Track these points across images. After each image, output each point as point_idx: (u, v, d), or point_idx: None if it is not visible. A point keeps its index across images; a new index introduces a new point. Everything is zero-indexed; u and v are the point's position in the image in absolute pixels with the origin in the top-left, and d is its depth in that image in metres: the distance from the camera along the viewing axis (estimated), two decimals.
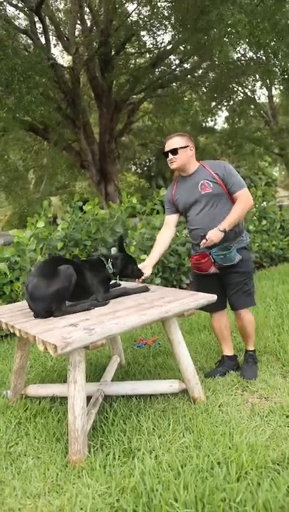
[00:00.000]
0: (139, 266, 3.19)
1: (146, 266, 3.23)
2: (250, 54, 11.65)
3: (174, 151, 3.05)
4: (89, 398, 2.77)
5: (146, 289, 3.06)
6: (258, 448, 2.22)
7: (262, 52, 10.22)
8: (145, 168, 29.33)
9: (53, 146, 11.56)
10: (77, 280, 2.64)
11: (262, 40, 8.16)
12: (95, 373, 3.44)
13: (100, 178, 12.03)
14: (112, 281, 3.43)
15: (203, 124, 16.56)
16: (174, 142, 3.07)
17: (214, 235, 2.91)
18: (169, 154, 3.08)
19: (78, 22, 11.28)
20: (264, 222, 8.15)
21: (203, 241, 2.92)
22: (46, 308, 2.50)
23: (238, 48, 9.84)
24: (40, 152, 14.10)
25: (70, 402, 2.25)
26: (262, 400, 2.84)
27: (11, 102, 7.91)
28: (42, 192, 14.41)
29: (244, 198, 3.00)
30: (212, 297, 2.76)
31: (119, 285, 3.32)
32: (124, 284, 3.35)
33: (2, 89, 8.07)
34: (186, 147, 3.07)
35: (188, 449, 2.29)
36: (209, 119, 16.41)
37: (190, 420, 2.57)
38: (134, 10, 10.79)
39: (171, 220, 3.36)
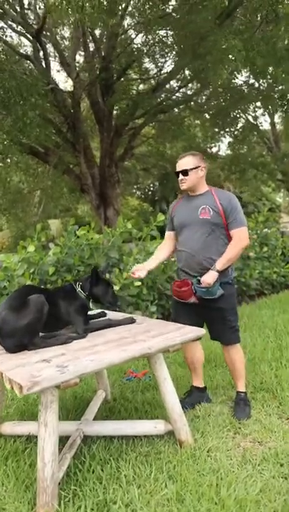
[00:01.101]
0: (135, 266, 3.12)
1: (143, 268, 3.13)
2: (252, 81, 11.70)
3: (185, 172, 2.95)
4: (67, 438, 2.57)
5: (132, 321, 2.87)
6: (248, 504, 2.00)
7: (261, 79, 10.28)
8: (149, 193, 29.41)
9: (53, 169, 11.54)
10: (52, 311, 2.47)
11: (258, 64, 8.18)
12: (78, 409, 3.21)
13: (99, 202, 11.94)
14: (98, 311, 3.26)
15: (207, 150, 16.59)
16: (184, 163, 2.98)
17: (210, 277, 2.83)
18: (180, 175, 2.98)
19: (81, 48, 11.44)
20: (265, 248, 7.98)
21: (197, 284, 2.87)
22: (17, 344, 2.31)
23: (237, 74, 9.82)
24: (42, 175, 14.07)
25: (40, 446, 2.04)
26: (255, 445, 2.61)
27: (8, 123, 7.87)
28: (39, 215, 14.36)
29: (240, 237, 2.91)
30: (200, 331, 2.58)
31: (105, 315, 3.13)
32: (110, 315, 3.17)
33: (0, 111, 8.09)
34: (197, 168, 2.96)
35: (169, 502, 2.06)
36: (212, 144, 16.48)
37: (174, 468, 2.35)
38: (135, 38, 10.97)
39: (171, 236, 3.26)
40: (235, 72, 8.63)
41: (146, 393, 3.47)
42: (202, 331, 2.58)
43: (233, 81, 10.30)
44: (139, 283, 5.20)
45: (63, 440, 2.60)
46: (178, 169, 3.00)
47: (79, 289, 2.75)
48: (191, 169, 2.94)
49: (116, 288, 4.88)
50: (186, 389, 3.50)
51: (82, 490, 2.17)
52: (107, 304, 2.94)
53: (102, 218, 11.91)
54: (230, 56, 7.59)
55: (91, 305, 2.91)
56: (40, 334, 2.45)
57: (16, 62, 8.95)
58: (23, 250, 4.63)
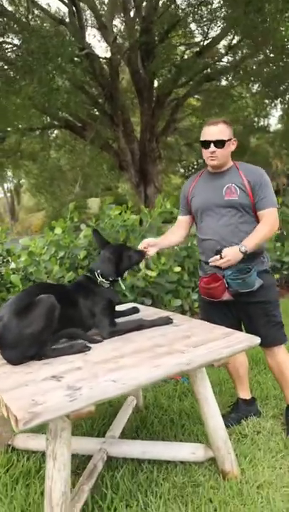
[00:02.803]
0: (147, 240, 2.64)
1: (155, 244, 2.65)
2: None
3: (220, 143, 2.37)
4: (89, 458, 2.17)
5: (168, 321, 2.38)
6: None
7: None
8: (193, 170, 28.44)
9: (90, 145, 10.97)
10: (70, 312, 2.02)
11: None
12: (104, 418, 2.79)
13: (139, 179, 11.31)
14: (130, 306, 2.80)
15: (256, 124, 15.56)
16: (219, 131, 2.38)
17: (232, 255, 2.30)
18: (212, 146, 2.38)
19: (121, 14, 10.63)
20: None
21: (216, 257, 2.30)
22: (20, 356, 1.87)
23: None
24: (81, 151, 13.56)
25: (47, 485, 1.63)
26: None
27: (32, 89, 7.25)
28: (76, 193, 13.89)
29: (271, 220, 2.40)
30: (254, 341, 2.05)
31: (138, 311, 2.66)
32: (142, 310, 2.70)
33: (22, 75, 7.47)
34: (230, 140, 2.42)
35: None
36: (262, 118, 15.39)
37: (216, 510, 1.88)
38: None
39: (184, 221, 2.75)
40: None
41: (185, 400, 3.01)
42: (256, 340, 2.05)
43: None
44: (179, 268, 4.71)
45: (85, 462, 2.21)
46: (210, 138, 2.39)
47: (101, 278, 2.29)
48: (228, 140, 2.40)
49: (153, 274, 4.42)
50: (230, 395, 3.02)
51: None
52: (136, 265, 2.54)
53: (142, 197, 11.34)
54: None
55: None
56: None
57: (49, 29, 8.22)
58: (50, 232, 4.22)
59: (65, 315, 1.99)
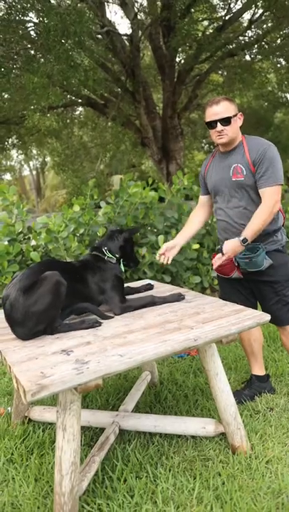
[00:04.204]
0: (166, 244, 2.61)
1: (174, 246, 2.63)
2: None
3: (227, 121, 2.32)
4: (102, 430, 2.23)
5: (179, 298, 2.39)
6: None
7: None
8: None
9: (112, 122, 10.82)
10: (78, 289, 2.05)
11: None
12: (119, 392, 2.85)
13: (161, 156, 11.19)
14: (144, 282, 2.82)
15: (282, 99, 15.03)
16: (223, 109, 2.33)
17: (232, 249, 2.29)
18: (218, 124, 2.33)
19: None
20: None
21: (218, 256, 2.33)
22: (30, 333, 1.91)
23: None
24: (104, 129, 13.42)
25: (57, 455, 1.68)
26: None
27: (51, 66, 7.10)
28: (96, 170, 13.79)
29: (272, 200, 2.25)
30: (263, 317, 2.03)
31: (151, 288, 2.68)
32: (157, 287, 2.72)
33: (43, 53, 7.35)
34: (236, 115, 2.37)
35: None
36: (287, 93, 14.84)
37: (224, 484, 1.90)
38: None
39: (205, 201, 2.74)
40: None
41: (199, 376, 3.03)
42: (266, 317, 2.04)
43: None
44: (197, 246, 4.69)
45: (99, 434, 2.28)
46: (215, 117, 2.33)
47: (108, 254, 2.32)
48: (234, 116, 2.34)
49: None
50: (245, 372, 3.04)
51: (108, 506, 1.79)
52: (130, 266, 2.51)
53: (164, 174, 11.22)
54: None
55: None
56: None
57: (68, 7, 7.97)
58: (69, 210, 4.25)
59: (73, 291, 2.01)
